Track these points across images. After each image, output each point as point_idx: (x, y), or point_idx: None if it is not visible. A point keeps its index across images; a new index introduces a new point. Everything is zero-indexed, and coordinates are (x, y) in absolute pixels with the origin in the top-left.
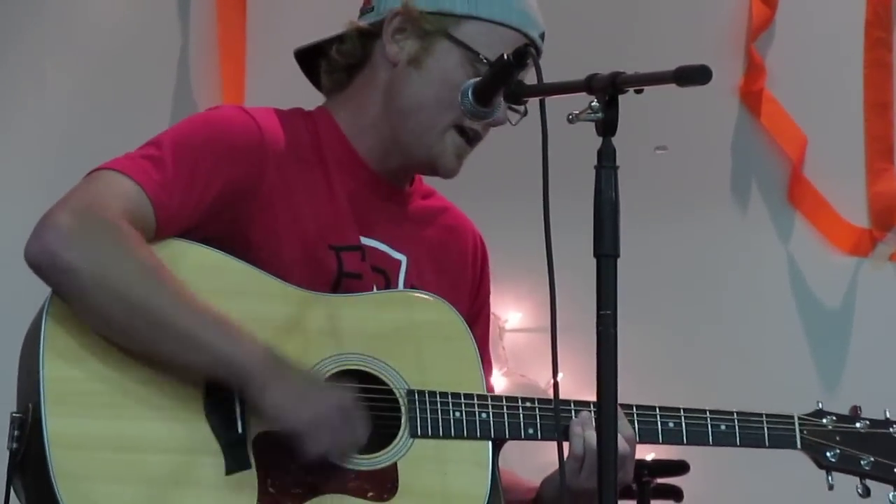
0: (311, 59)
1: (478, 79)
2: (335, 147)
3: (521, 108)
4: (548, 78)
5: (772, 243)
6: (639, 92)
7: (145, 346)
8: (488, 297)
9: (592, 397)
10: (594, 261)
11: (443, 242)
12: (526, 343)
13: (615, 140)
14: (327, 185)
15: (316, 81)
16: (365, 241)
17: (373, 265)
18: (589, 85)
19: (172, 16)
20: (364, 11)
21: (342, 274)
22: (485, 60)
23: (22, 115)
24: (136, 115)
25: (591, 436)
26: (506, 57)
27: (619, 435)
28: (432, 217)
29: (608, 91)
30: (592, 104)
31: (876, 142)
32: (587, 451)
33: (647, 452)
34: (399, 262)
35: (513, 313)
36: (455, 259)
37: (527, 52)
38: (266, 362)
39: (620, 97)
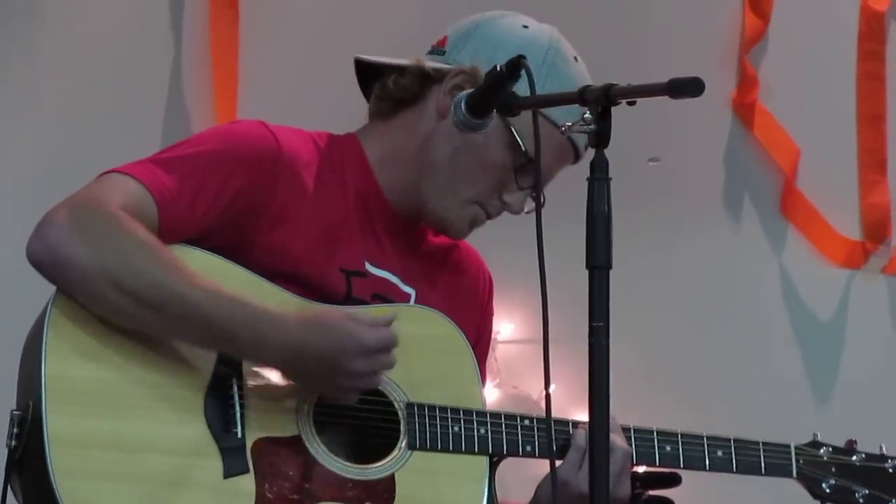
0: (368, 73)
1: (470, 90)
2: (357, 175)
3: (543, 200)
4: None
5: (764, 255)
6: (631, 104)
7: (157, 327)
8: (488, 332)
9: (585, 408)
10: (586, 272)
11: (453, 281)
12: (518, 354)
13: (608, 152)
14: (343, 210)
15: (365, 91)
16: (374, 270)
17: (378, 294)
18: (582, 96)
19: (165, 27)
20: (434, 51)
21: (349, 298)
22: (525, 153)
23: (15, 126)
24: (129, 126)
25: None
26: (498, 68)
27: (617, 449)
28: (444, 255)
29: (601, 103)
30: (585, 116)
31: (868, 154)
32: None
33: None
34: (408, 296)
35: (505, 324)
36: (464, 297)
37: (519, 63)
38: (291, 329)
39: (613, 109)
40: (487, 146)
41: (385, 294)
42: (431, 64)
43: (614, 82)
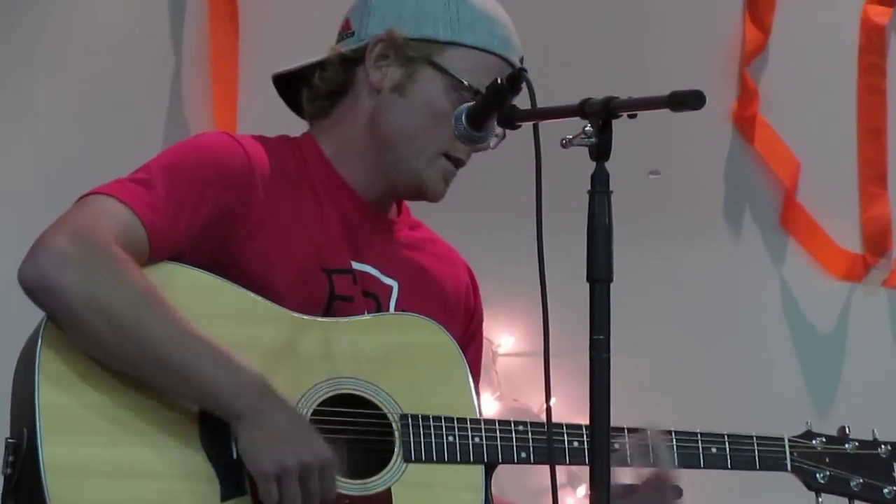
0: (291, 85)
1: (471, 103)
2: (322, 173)
3: (501, 132)
4: (541, 102)
5: (765, 268)
6: (632, 117)
7: (136, 371)
8: (481, 325)
9: (586, 422)
10: (587, 285)
11: (434, 270)
12: (519, 367)
13: (608, 165)
14: (317, 210)
15: (295, 106)
16: (356, 265)
17: (364, 289)
18: (583, 109)
19: (165, 40)
20: (344, 36)
21: (334, 296)
22: (468, 86)
23: (15, 139)
24: (129, 139)
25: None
26: (499, 81)
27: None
28: (422, 245)
29: (602, 115)
30: (586, 129)
31: (869, 167)
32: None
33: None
34: (390, 288)
35: (505, 337)
36: (447, 287)
37: (520, 76)
38: (252, 399)
39: (614, 122)
40: (432, 97)
41: (367, 288)
42: (347, 48)
43: (615, 95)
